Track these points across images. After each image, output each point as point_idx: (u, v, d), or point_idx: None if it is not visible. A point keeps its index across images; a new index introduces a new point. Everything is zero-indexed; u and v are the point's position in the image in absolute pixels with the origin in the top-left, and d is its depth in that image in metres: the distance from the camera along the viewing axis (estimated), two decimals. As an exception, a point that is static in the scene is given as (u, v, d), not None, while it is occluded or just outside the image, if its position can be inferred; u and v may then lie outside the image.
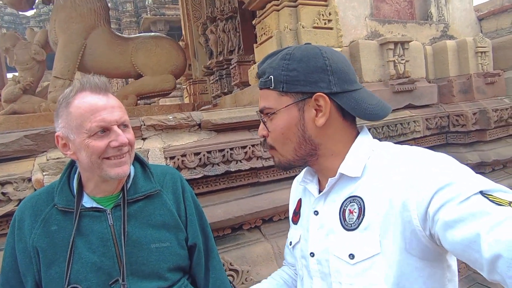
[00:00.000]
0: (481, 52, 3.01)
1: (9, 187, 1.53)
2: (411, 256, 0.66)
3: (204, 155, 1.90)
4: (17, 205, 1.45)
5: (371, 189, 0.72)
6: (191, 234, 1.09)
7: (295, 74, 0.75)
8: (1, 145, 1.56)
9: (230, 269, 1.81)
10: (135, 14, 15.62)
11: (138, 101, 3.72)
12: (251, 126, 2.14)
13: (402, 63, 2.74)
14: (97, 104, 0.92)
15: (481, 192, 0.56)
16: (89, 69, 3.38)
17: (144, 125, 1.91)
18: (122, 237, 0.96)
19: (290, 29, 2.39)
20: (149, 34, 3.82)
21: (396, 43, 2.71)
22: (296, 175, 1.83)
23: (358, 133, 0.82)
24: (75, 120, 0.91)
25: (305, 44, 0.81)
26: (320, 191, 0.85)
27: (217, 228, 1.92)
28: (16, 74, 3.20)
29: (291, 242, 0.94)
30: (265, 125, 0.82)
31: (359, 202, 0.73)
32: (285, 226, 2.13)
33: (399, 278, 0.67)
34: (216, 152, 1.93)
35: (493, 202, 0.54)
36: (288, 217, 2.11)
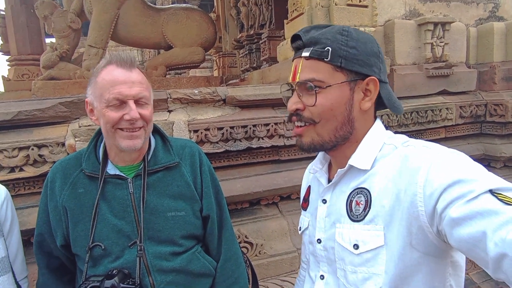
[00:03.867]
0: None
1: (45, 150, 1.65)
2: (415, 251, 0.67)
3: (227, 130, 1.94)
4: (51, 167, 1.57)
5: (379, 182, 0.72)
6: (206, 206, 1.15)
7: (355, 52, 0.73)
8: (38, 110, 1.67)
9: (245, 242, 1.88)
10: (169, -18, 15.48)
11: (169, 72, 3.78)
12: (275, 104, 2.14)
13: (440, 46, 2.57)
14: (118, 78, 0.98)
15: (491, 191, 0.55)
16: (122, 39, 3.45)
17: (171, 98, 1.96)
18: (141, 205, 1.03)
19: (322, 6, 2.31)
20: (181, 5, 3.80)
21: (436, 24, 2.54)
22: (311, 156, 1.83)
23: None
24: (99, 89, 0.98)
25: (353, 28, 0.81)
26: (329, 180, 0.86)
27: (235, 201, 1.98)
28: (54, 40, 3.33)
29: (300, 227, 0.96)
30: (300, 98, 0.77)
31: (366, 194, 0.73)
32: (303, 205, 2.16)
33: (401, 271, 0.68)
34: (239, 128, 1.96)
35: (502, 201, 0.53)
36: (305, 197, 2.13)
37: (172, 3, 14.31)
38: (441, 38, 2.58)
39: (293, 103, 0.78)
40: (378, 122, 0.81)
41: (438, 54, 2.58)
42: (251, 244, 1.89)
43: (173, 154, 1.13)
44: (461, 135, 2.74)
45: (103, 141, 1.09)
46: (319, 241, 0.83)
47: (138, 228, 1.03)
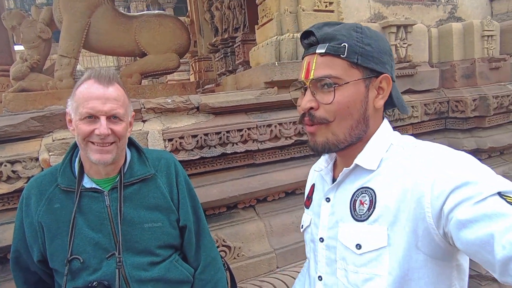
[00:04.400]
0: (488, 36, 2.94)
1: (18, 166, 1.65)
2: (420, 253, 0.66)
3: (201, 137, 1.99)
4: (26, 183, 1.57)
5: (384, 183, 0.71)
6: (182, 216, 1.19)
7: (370, 49, 0.73)
8: (9, 126, 1.67)
9: (223, 245, 1.93)
10: (143, -15, 15.28)
11: (147, 78, 3.76)
12: (248, 109, 2.20)
13: (404, 47, 2.71)
14: (93, 93, 1.01)
15: (499, 193, 0.55)
16: (94, 47, 3.42)
17: (144, 108, 1.99)
18: (118, 217, 1.06)
19: (290, 12, 2.38)
20: (153, 12, 3.80)
21: (398, 26, 2.67)
22: (286, 158, 1.89)
23: None
24: (76, 102, 1.02)
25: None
26: (334, 179, 0.85)
27: (212, 206, 2.03)
28: (23, 48, 3.26)
29: (302, 225, 0.95)
30: (314, 96, 0.75)
31: (371, 194, 0.72)
32: (279, 206, 2.24)
33: (405, 272, 0.67)
34: (213, 134, 2.01)
35: (511, 204, 0.53)
36: (281, 198, 2.21)
37: (147, 8, 14.14)
38: (404, 39, 2.72)
39: (307, 101, 0.75)
40: (386, 122, 0.80)
41: (402, 55, 2.71)
42: (229, 247, 1.95)
43: (149, 166, 1.16)
44: (427, 131, 2.89)
45: (78, 155, 1.12)
46: (321, 239, 0.82)
47: (116, 240, 1.06)
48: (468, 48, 2.97)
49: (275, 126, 2.16)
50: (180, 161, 1.89)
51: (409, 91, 2.81)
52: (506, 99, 2.82)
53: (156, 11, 3.97)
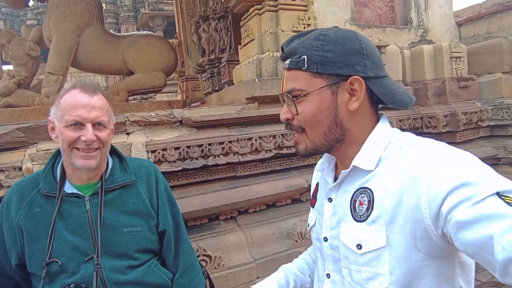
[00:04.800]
0: (456, 57, 3.16)
1: (1, 175, 1.68)
2: (420, 253, 0.65)
3: (183, 149, 2.05)
4: (7, 191, 1.60)
5: (382, 183, 0.71)
6: (161, 221, 1.23)
7: (331, 55, 0.72)
8: (-6, 136, 1.71)
9: (204, 255, 1.96)
10: (133, 8, 15.67)
11: (135, 97, 3.85)
12: (230, 123, 2.29)
13: (378, 67, 2.87)
14: (79, 101, 1.07)
15: (498, 194, 0.54)
16: (83, 66, 3.51)
17: (128, 120, 2.06)
18: (98, 221, 1.10)
19: (270, 33, 2.53)
20: (141, 32, 3.95)
21: (373, 48, 2.84)
22: (267, 171, 1.96)
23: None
24: (61, 110, 1.07)
25: (335, 27, 0.80)
26: (335, 178, 0.86)
27: (194, 217, 2.07)
28: (11, 68, 3.33)
29: (308, 224, 0.96)
30: (289, 108, 0.79)
31: (369, 194, 0.72)
32: (260, 218, 2.29)
33: (406, 273, 0.67)
34: (195, 147, 2.08)
35: (510, 204, 0.53)
36: (262, 210, 2.26)
37: (137, 30, 14.43)
38: (378, 60, 2.88)
39: (283, 113, 0.81)
40: (383, 121, 0.80)
41: (377, 74, 2.87)
42: (209, 257, 1.98)
43: (130, 173, 1.22)
44: (403, 146, 3.02)
45: (60, 162, 1.16)
46: (325, 239, 0.83)
47: (95, 244, 1.09)
48: (438, 68, 3.17)
49: (256, 140, 2.25)
50: (163, 173, 1.94)
51: (384, 108, 2.94)
52: (474, 116, 3.00)
53: (145, 32, 4.12)
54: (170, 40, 4.85)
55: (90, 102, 1.08)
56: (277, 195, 2.26)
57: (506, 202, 0.53)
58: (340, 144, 0.78)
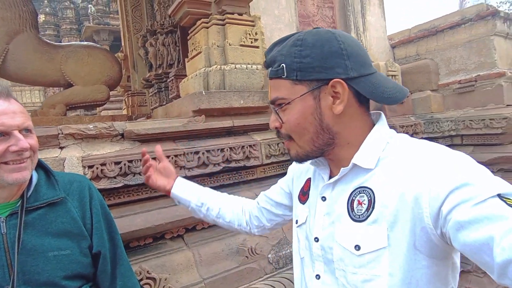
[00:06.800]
0: (392, 75, 3.42)
1: None
2: (419, 253, 0.65)
3: (125, 164, 1.92)
4: None
5: (382, 182, 0.70)
6: (96, 242, 1.11)
7: (309, 60, 0.71)
8: None
9: (148, 278, 1.81)
10: (76, 21, 14.88)
11: (75, 110, 3.56)
12: (176, 137, 2.20)
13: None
14: None
15: (499, 195, 0.55)
16: (12, 76, 3.19)
17: (62, 133, 1.88)
18: (16, 246, 0.95)
19: (217, 46, 2.52)
20: (81, 43, 3.72)
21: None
22: (215, 186, 1.89)
23: (372, 121, 0.79)
24: None
25: (315, 28, 0.78)
26: (330, 177, 0.83)
27: (137, 237, 1.92)
28: None
29: (297, 220, 0.92)
30: (278, 116, 0.78)
31: (369, 193, 0.71)
32: (208, 235, 2.20)
33: (405, 273, 0.66)
34: (137, 161, 1.96)
35: (511, 206, 0.53)
36: (211, 226, 2.17)
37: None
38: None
39: (271, 122, 0.81)
40: (381, 121, 0.78)
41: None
42: (154, 279, 1.83)
43: (58, 189, 1.08)
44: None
45: None
46: (316, 239, 0.80)
47: (11, 272, 0.94)
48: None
49: (203, 153, 2.19)
50: (102, 190, 1.80)
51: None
52: (410, 128, 3.24)
53: (85, 42, 3.89)
54: (116, 54, 4.65)
55: (9, 108, 0.95)
56: (227, 210, 2.20)
57: (507, 204, 0.53)
58: (331, 147, 0.77)
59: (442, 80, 3.69)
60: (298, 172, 1.00)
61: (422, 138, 3.44)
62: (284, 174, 1.09)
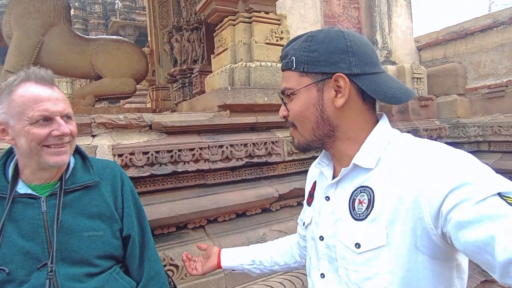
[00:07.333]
0: (417, 78, 3.37)
1: None
2: (420, 253, 0.65)
3: (152, 154, 1.99)
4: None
5: (383, 181, 0.71)
6: (126, 226, 1.16)
7: (316, 54, 0.75)
8: None
9: (171, 264, 1.88)
10: (104, 16, 15.29)
11: (102, 101, 3.69)
12: (201, 130, 2.26)
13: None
14: (41, 94, 0.99)
15: (499, 194, 0.54)
16: (46, 66, 3.26)
17: (95, 122, 1.96)
18: (55, 224, 1.01)
19: (244, 43, 2.56)
20: (111, 37, 3.85)
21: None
22: (237, 180, 1.94)
23: (377, 120, 0.80)
24: (17, 107, 0.97)
25: (329, 27, 0.82)
26: (333, 177, 0.86)
27: (161, 225, 1.99)
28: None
29: (304, 222, 0.96)
30: (285, 106, 0.83)
31: (369, 193, 0.72)
32: (229, 227, 2.25)
33: (406, 273, 0.66)
34: (164, 152, 2.02)
35: (511, 205, 0.53)
36: (232, 219, 2.22)
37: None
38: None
39: (281, 111, 0.86)
40: (384, 120, 0.80)
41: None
42: (176, 266, 1.89)
43: (93, 173, 1.14)
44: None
45: (13, 161, 1.07)
46: (321, 238, 0.83)
47: (50, 249, 1.01)
48: (402, 87, 3.36)
49: (227, 147, 2.23)
50: (130, 178, 1.86)
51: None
52: (434, 132, 3.19)
53: (114, 36, 4.01)
54: (142, 49, 4.77)
55: (53, 94, 1.01)
56: (247, 204, 2.24)
57: (507, 203, 0.53)
58: (332, 139, 0.80)
59: (470, 85, 3.61)
60: (309, 183, 1.02)
61: (446, 142, 3.38)
62: (305, 172, 1.11)
